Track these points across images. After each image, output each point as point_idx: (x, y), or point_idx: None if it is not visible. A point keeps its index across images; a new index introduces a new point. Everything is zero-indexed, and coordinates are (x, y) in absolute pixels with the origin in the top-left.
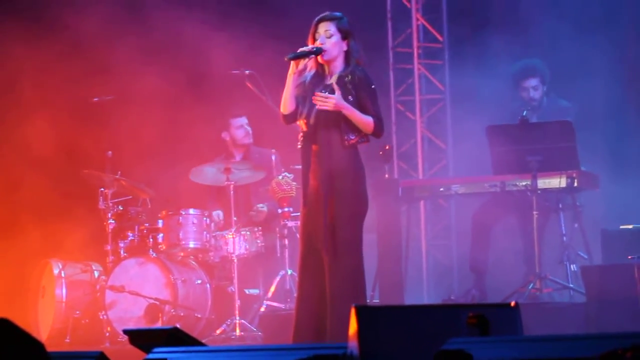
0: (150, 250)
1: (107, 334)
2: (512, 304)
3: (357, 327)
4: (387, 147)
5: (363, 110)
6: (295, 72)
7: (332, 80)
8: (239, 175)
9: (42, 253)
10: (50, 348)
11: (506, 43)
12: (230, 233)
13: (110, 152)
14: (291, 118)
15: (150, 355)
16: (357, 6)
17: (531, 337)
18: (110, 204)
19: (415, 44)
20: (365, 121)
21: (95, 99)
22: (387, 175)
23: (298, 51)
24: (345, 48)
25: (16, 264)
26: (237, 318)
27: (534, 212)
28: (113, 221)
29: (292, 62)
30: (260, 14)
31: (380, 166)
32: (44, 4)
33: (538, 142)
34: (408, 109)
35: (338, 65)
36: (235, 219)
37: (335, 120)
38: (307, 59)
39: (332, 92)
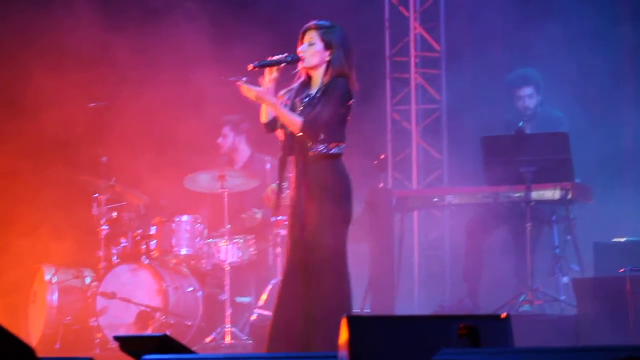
0: (143, 257)
1: (98, 341)
2: (503, 315)
3: (347, 336)
4: (381, 157)
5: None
6: (270, 81)
7: (314, 91)
8: (233, 182)
9: (34, 258)
10: (40, 353)
11: (504, 53)
12: (223, 240)
13: (105, 157)
14: (270, 127)
15: None
16: (355, 14)
17: (522, 348)
18: (104, 210)
19: (412, 53)
20: (289, 119)
21: (91, 105)
22: (381, 185)
23: (267, 60)
24: (327, 58)
25: (8, 269)
26: (228, 326)
27: (527, 224)
28: (106, 227)
29: (266, 70)
30: (258, 22)
31: (374, 175)
32: (46, 9)
33: (532, 153)
34: (404, 118)
35: (321, 75)
36: (228, 226)
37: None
38: (277, 67)
39: (313, 101)
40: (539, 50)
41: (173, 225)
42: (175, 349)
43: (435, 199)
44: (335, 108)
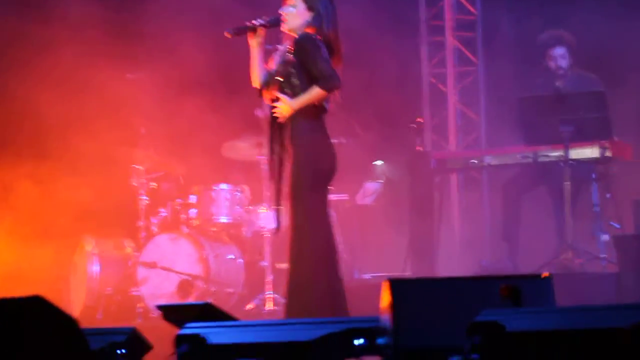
0: (183, 226)
1: (139, 310)
2: (545, 274)
3: (389, 299)
4: (419, 120)
5: (310, 74)
6: (255, 46)
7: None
8: None
9: (74, 230)
10: (82, 324)
11: (540, 15)
12: (263, 207)
13: (143, 128)
14: (262, 90)
15: (183, 331)
16: None
17: (564, 307)
18: (143, 180)
19: (448, 16)
20: (315, 96)
21: (129, 75)
22: (419, 148)
23: (242, 25)
24: (309, 20)
25: (48, 241)
26: (269, 292)
27: (566, 183)
28: (145, 197)
29: (249, 36)
30: None
31: (412, 139)
32: None
33: (570, 112)
34: (440, 81)
35: None
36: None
37: (283, 93)
38: (257, 32)
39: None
40: (578, 11)
41: (212, 193)
42: (218, 316)
43: (474, 160)
44: (321, 55)
